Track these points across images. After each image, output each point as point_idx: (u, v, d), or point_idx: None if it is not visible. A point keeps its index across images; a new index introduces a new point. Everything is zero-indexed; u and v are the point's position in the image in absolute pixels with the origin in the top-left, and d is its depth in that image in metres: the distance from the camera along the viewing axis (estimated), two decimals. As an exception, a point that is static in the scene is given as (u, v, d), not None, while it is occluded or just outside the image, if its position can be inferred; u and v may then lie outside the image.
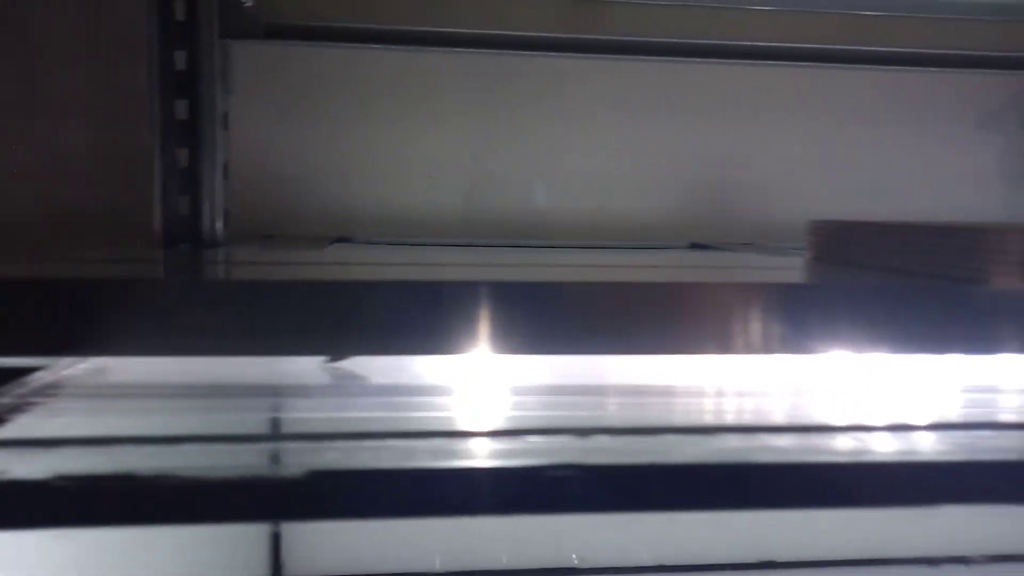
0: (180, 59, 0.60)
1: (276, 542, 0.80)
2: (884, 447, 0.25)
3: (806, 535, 0.85)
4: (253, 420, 0.28)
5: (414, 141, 0.76)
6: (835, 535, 0.85)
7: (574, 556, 0.84)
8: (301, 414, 0.29)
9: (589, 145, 0.79)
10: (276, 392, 0.30)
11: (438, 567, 0.83)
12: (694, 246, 0.79)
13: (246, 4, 0.60)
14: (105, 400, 0.29)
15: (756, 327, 0.31)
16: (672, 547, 0.83)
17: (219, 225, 0.63)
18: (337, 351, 0.30)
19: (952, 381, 0.34)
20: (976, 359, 0.32)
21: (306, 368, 0.31)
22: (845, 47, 0.79)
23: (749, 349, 0.32)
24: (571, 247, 0.76)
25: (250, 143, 0.71)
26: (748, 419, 0.31)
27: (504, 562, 0.83)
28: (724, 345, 0.32)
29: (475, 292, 0.29)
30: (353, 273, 0.33)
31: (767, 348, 0.31)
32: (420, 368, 0.32)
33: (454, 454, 0.24)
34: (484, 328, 0.30)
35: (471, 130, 0.76)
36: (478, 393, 0.32)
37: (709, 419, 0.30)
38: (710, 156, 0.81)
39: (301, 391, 0.30)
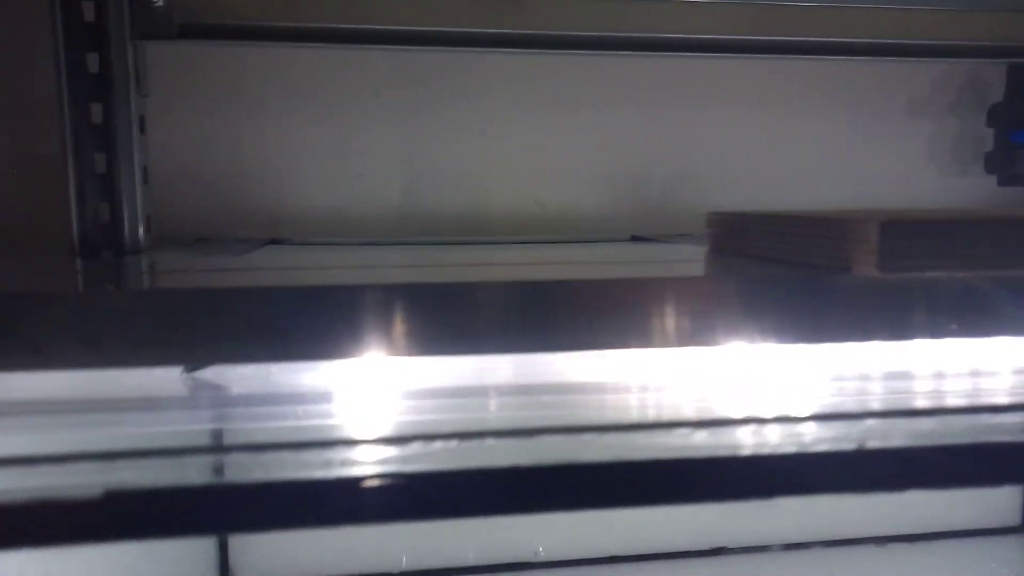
0: (92, 62, 0.59)
1: (224, 548, 0.79)
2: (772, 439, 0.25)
3: (757, 521, 0.86)
4: (86, 437, 0.28)
5: (344, 140, 0.75)
6: (785, 520, 0.87)
7: (540, 549, 0.84)
8: (141, 429, 0.29)
9: (525, 139, 0.79)
10: (124, 406, 0.30)
11: (404, 566, 0.82)
12: (634, 238, 0.79)
13: (157, 4, 0.59)
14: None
15: (647, 321, 0.31)
16: (630, 537, 0.84)
17: (141, 232, 0.62)
18: (210, 359, 0.30)
19: (823, 369, 0.35)
20: (847, 347, 0.32)
21: (164, 379, 0.31)
22: (777, 38, 0.80)
23: (643, 343, 0.32)
24: (507, 243, 0.76)
25: (174, 146, 0.70)
26: (597, 417, 0.31)
27: (471, 559, 0.83)
28: (620, 340, 0.32)
29: (352, 296, 0.29)
30: (229, 280, 0.33)
31: (655, 342, 0.32)
32: (285, 376, 0.32)
33: (264, 465, 0.23)
34: (361, 332, 0.29)
35: (403, 127, 0.76)
36: (351, 399, 0.32)
37: (569, 417, 0.31)
38: (646, 148, 0.81)
39: (152, 404, 0.30)
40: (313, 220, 0.75)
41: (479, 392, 0.32)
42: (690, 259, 0.39)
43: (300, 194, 0.75)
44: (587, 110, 0.79)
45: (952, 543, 0.91)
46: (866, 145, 0.84)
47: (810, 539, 0.91)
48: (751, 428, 0.27)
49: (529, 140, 0.78)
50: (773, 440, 0.26)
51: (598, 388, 0.32)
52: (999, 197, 0.87)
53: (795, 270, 0.31)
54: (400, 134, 0.76)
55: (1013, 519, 0.91)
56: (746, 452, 0.25)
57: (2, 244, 0.66)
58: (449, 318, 0.31)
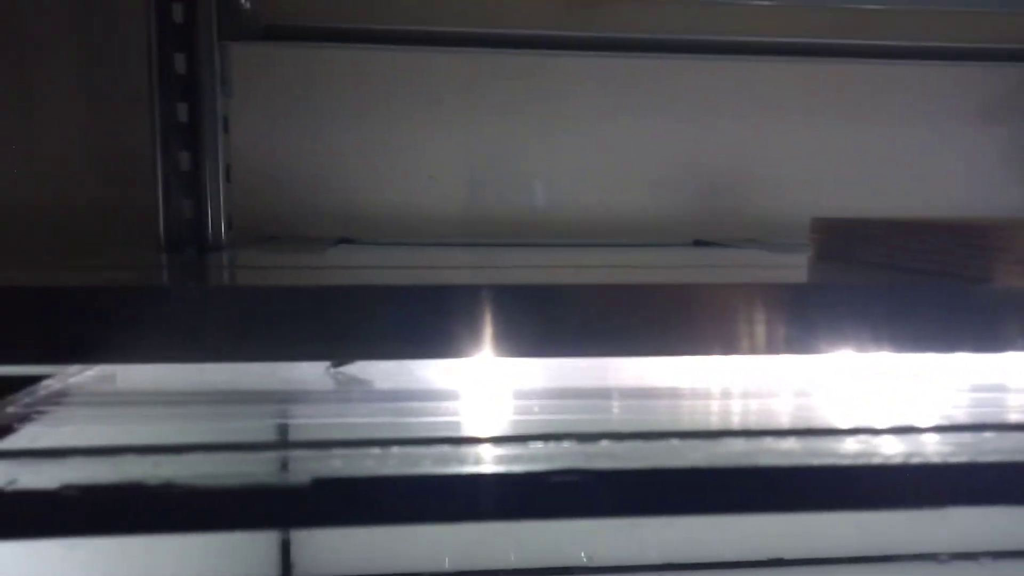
0: (179, 62, 0.60)
1: (286, 543, 0.80)
2: (890, 449, 0.25)
3: (815, 532, 0.85)
4: (259, 427, 0.28)
5: (416, 141, 0.76)
6: (843, 531, 0.85)
7: (583, 554, 0.84)
8: (307, 420, 0.29)
9: (590, 142, 0.78)
10: (281, 398, 0.30)
11: (448, 567, 0.83)
12: (697, 243, 0.79)
13: (244, 6, 0.60)
14: (112, 408, 0.29)
15: (760, 327, 0.31)
16: (680, 544, 0.83)
17: (223, 228, 0.63)
18: (344, 355, 0.30)
19: (957, 380, 0.34)
20: (982, 358, 0.32)
21: (311, 373, 0.31)
22: (846, 41, 0.79)
23: (753, 350, 0.32)
24: (573, 246, 0.76)
25: (250, 145, 0.71)
26: (754, 421, 0.31)
27: (513, 560, 0.83)
28: (728, 346, 0.32)
29: (479, 295, 0.29)
30: (357, 277, 0.33)
31: (771, 349, 0.31)
32: (423, 372, 0.32)
33: (460, 460, 0.24)
34: (488, 331, 0.30)
35: (472, 129, 0.76)
36: (483, 397, 0.32)
37: (714, 422, 0.30)
38: (712, 152, 0.80)
39: (307, 397, 0.30)
40: (383, 220, 0.76)
41: (601, 394, 0.32)
42: (795, 265, 0.39)
43: (371, 194, 0.76)
44: (653, 113, 0.79)
45: (1013, 563, 0.88)
46: (937, 151, 0.83)
47: (867, 553, 0.89)
48: (898, 437, 0.27)
49: (596, 143, 0.78)
50: (923, 450, 0.25)
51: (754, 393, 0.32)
52: (1074, 207, 0.84)
53: (925, 279, 0.31)
54: (469, 135, 0.76)
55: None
56: (903, 462, 0.24)
57: (89, 237, 0.68)
58: (553, 320, 0.31)
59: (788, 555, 0.86)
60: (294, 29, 0.64)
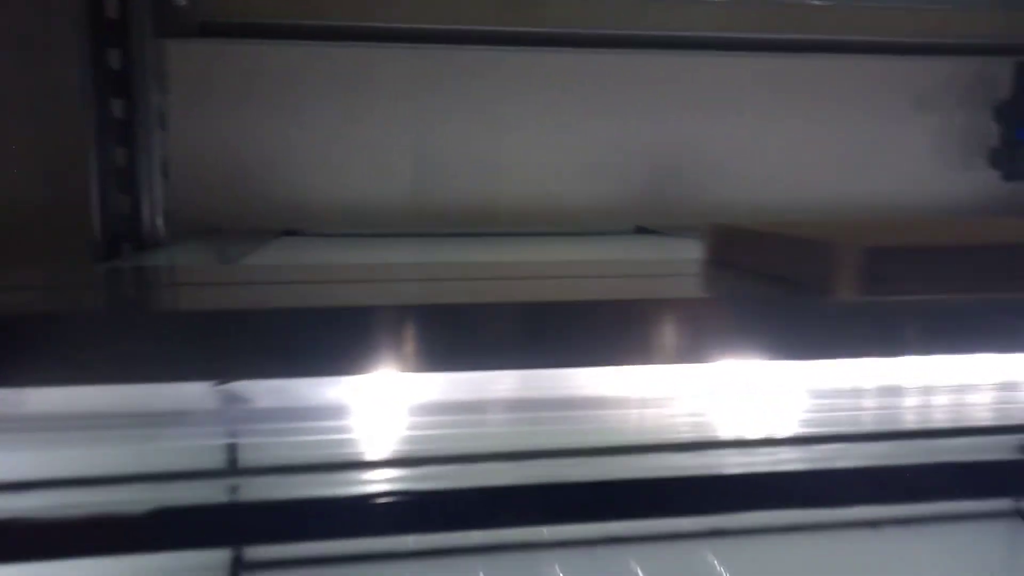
0: (115, 58, 0.60)
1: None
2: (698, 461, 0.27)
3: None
4: (136, 451, 0.30)
5: (358, 135, 0.76)
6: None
7: (544, 531, 0.86)
8: (187, 442, 0.31)
9: (534, 134, 0.80)
10: (161, 420, 0.31)
11: (411, 546, 0.85)
12: (639, 230, 0.81)
13: (180, 2, 0.61)
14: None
15: (636, 340, 0.33)
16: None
17: (159, 223, 0.64)
18: (232, 375, 0.32)
19: (800, 386, 0.37)
20: (824, 365, 0.34)
21: (197, 391, 0.32)
22: (783, 35, 0.81)
23: (632, 360, 0.33)
24: (516, 235, 0.77)
25: (196, 140, 0.72)
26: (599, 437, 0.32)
27: (476, 539, 0.85)
28: (616, 357, 0.34)
29: (367, 316, 0.31)
30: (251, 299, 0.34)
31: (642, 360, 0.33)
32: (308, 389, 0.34)
33: (295, 485, 0.25)
34: (377, 350, 0.31)
35: (416, 122, 0.77)
36: (363, 414, 0.34)
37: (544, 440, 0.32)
38: (658, 143, 0.82)
39: (190, 418, 0.32)
40: (331, 212, 0.77)
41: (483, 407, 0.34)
42: (684, 263, 0.40)
43: (318, 186, 0.76)
44: (600, 107, 0.80)
45: (947, 527, 0.92)
46: (873, 140, 0.85)
47: (805, 522, 0.93)
48: (734, 449, 0.29)
49: (538, 134, 0.80)
50: (753, 459, 0.28)
51: (599, 403, 0.34)
52: (1003, 191, 0.88)
53: (781, 289, 0.33)
54: (413, 129, 0.77)
55: (1007, 504, 0.93)
56: (726, 471, 0.27)
57: (25, 235, 0.69)
58: (452, 336, 0.32)
59: (728, 527, 0.89)
60: (230, 26, 0.64)
